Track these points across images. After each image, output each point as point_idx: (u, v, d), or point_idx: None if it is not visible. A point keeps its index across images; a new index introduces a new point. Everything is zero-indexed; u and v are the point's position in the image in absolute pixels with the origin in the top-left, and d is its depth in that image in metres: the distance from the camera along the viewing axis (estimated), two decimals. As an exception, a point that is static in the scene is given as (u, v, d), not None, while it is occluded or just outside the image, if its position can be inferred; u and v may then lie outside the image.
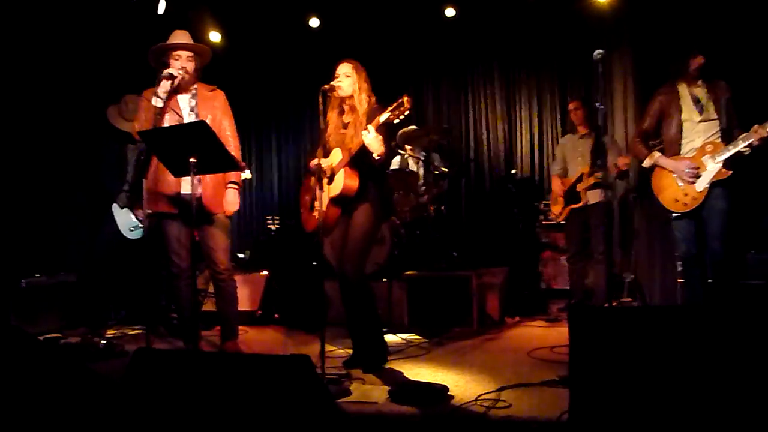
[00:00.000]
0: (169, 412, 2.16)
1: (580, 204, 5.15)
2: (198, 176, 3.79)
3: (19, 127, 5.72)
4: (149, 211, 3.99)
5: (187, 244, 3.88)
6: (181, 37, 3.93)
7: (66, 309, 5.33)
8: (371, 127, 3.30)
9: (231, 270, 4.07)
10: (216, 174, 3.89)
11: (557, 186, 5.37)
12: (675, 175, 3.93)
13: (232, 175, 3.99)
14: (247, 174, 5.95)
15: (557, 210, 5.37)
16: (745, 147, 3.69)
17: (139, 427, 2.16)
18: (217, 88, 4.08)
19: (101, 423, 2.20)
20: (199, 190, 3.82)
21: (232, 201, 3.97)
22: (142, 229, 4.85)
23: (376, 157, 3.36)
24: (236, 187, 4.00)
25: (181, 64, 3.84)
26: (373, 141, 3.29)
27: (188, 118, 3.88)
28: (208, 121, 3.81)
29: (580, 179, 5.17)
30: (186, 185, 3.77)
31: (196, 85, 3.99)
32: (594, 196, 5.10)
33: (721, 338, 2.01)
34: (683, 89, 3.98)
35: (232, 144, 3.98)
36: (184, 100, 3.94)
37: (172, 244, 3.90)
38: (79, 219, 5.95)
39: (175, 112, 3.86)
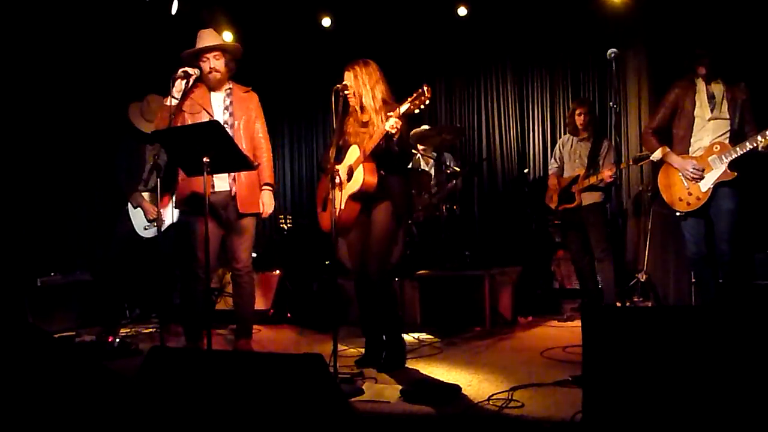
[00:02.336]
0: (182, 409, 2.17)
1: (574, 204, 5.16)
2: (233, 175, 3.85)
3: (35, 126, 5.78)
4: (173, 210, 4.02)
5: (214, 243, 3.89)
6: (205, 37, 3.94)
7: (81, 307, 5.38)
8: (392, 116, 3.27)
9: (250, 268, 4.09)
10: (250, 174, 3.92)
11: (553, 183, 5.39)
12: (680, 174, 3.91)
13: (266, 177, 4.02)
14: None
15: (552, 205, 5.41)
16: (755, 149, 3.64)
17: (154, 424, 2.18)
18: (252, 90, 4.10)
19: (116, 420, 2.22)
20: (234, 189, 3.87)
21: (268, 203, 4.01)
22: (155, 228, 4.88)
23: (394, 140, 3.34)
24: (271, 188, 4.04)
25: (209, 65, 3.87)
26: (395, 124, 3.26)
27: (222, 117, 3.89)
28: (242, 123, 3.90)
29: (575, 181, 5.17)
30: (219, 184, 3.82)
31: (230, 85, 4.01)
32: (588, 198, 5.11)
33: (735, 338, 2.00)
34: (701, 84, 3.92)
35: (264, 146, 4.03)
36: (218, 99, 3.96)
37: (199, 242, 3.89)
38: (95, 218, 6.00)
39: (206, 111, 3.87)
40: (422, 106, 3.21)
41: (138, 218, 5.08)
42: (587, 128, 5.23)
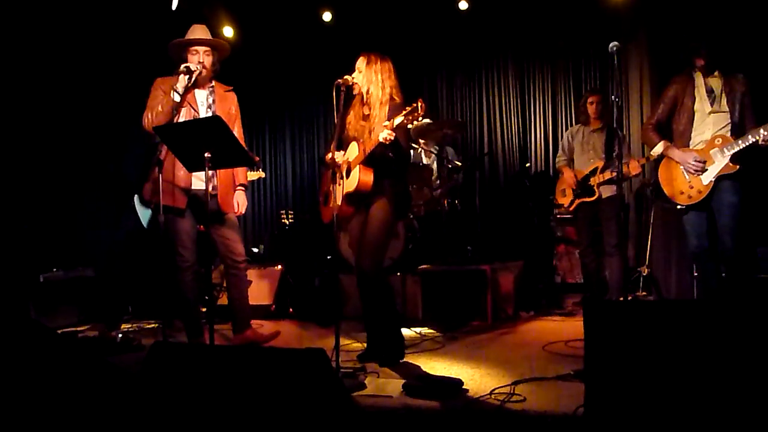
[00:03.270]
0: (185, 404, 2.18)
1: (594, 198, 5.08)
2: (211, 174, 3.84)
3: (38, 122, 5.78)
4: (152, 204, 4.02)
5: (195, 239, 3.98)
6: (198, 31, 3.95)
7: (84, 303, 5.39)
8: (386, 128, 3.30)
9: (246, 261, 4.15)
10: (227, 174, 3.98)
11: (571, 177, 5.24)
12: (682, 167, 3.89)
13: (241, 177, 4.10)
14: (260, 173, 5.98)
15: (565, 202, 5.29)
16: (756, 142, 3.63)
17: (157, 419, 2.18)
18: (232, 90, 4.12)
19: (119, 415, 2.22)
20: (212, 188, 3.87)
21: (242, 202, 4.10)
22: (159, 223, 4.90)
23: (389, 148, 3.37)
24: (244, 189, 4.12)
25: (198, 59, 3.86)
26: (388, 135, 3.29)
27: (205, 114, 3.92)
28: None
29: (593, 173, 5.10)
30: (197, 181, 3.82)
31: (213, 83, 4.02)
32: (606, 191, 5.05)
33: (736, 332, 2.00)
34: (699, 78, 3.90)
35: None
36: (201, 96, 3.97)
37: (181, 238, 3.93)
38: (97, 213, 6.00)
39: (192, 107, 3.89)
40: (415, 122, 3.24)
41: (144, 213, 5.07)
42: (600, 118, 5.16)
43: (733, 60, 3.98)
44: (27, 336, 2.43)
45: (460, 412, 2.74)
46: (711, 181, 3.78)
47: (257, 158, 5.25)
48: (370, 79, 3.57)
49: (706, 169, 3.79)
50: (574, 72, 6.98)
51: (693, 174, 3.83)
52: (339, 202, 3.58)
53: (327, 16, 7.06)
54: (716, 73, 3.87)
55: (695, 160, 3.79)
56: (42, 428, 2.21)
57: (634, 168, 4.83)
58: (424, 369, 3.51)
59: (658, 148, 3.99)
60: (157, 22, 6.05)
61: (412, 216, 5.53)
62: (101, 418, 2.23)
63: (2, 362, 2.32)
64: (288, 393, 2.07)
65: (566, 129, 6.94)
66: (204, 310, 4.60)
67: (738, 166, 3.71)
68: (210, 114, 3.91)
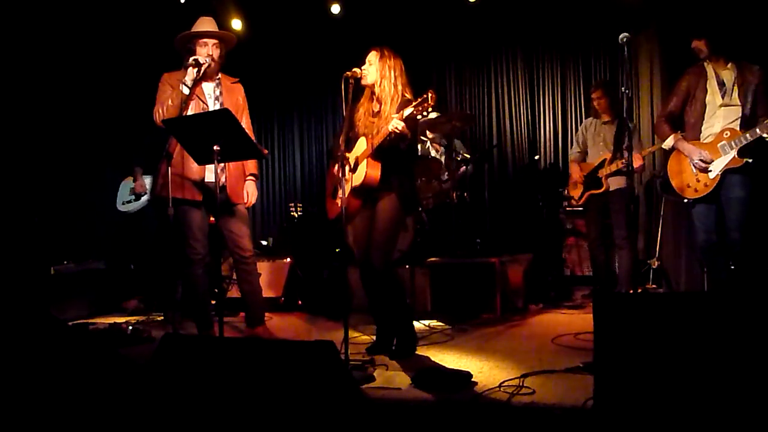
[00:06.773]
0: (195, 396, 2.19)
1: (602, 190, 5.08)
2: (222, 165, 3.84)
3: (49, 116, 5.81)
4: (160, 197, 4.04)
5: (206, 232, 3.97)
6: (206, 24, 3.95)
7: (94, 295, 5.42)
8: (396, 118, 3.29)
9: (254, 255, 4.15)
10: (237, 165, 3.96)
11: (576, 171, 5.28)
12: (690, 161, 3.87)
13: (251, 167, 4.07)
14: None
15: (576, 194, 5.30)
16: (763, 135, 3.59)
17: (167, 411, 2.20)
18: (239, 81, 4.12)
19: (130, 406, 2.24)
20: (223, 179, 3.87)
21: (252, 192, 4.07)
22: (134, 204, 4.90)
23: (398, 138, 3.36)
24: (254, 179, 4.09)
25: (207, 51, 3.86)
26: (397, 125, 3.28)
27: (213, 106, 3.91)
28: None
29: (601, 165, 5.09)
30: (210, 173, 3.81)
31: (219, 75, 4.02)
32: (615, 183, 5.03)
33: (747, 325, 1.99)
34: (711, 70, 3.85)
35: None
36: (208, 88, 3.97)
37: (193, 231, 3.92)
38: (108, 206, 6.03)
39: (201, 100, 3.89)
40: (425, 113, 3.20)
41: (122, 192, 5.09)
42: (608, 111, 5.15)
43: (749, 51, 3.92)
44: (38, 328, 2.45)
45: (468, 404, 2.74)
46: (717, 174, 3.74)
47: (266, 151, 5.23)
48: (384, 74, 3.53)
49: (713, 163, 3.75)
50: (584, 64, 6.93)
51: (699, 168, 3.80)
52: (346, 196, 3.57)
53: (335, 9, 7.04)
54: (729, 65, 3.82)
55: (700, 159, 3.76)
56: (54, 420, 2.23)
57: (636, 160, 4.82)
58: (433, 361, 3.51)
59: (670, 141, 3.96)
60: (165, 15, 6.07)
61: (420, 209, 5.53)
62: (111, 409, 2.25)
63: (14, 354, 2.34)
64: (297, 385, 2.08)
65: (575, 121, 6.94)
66: (214, 302, 4.62)
67: (745, 160, 3.67)
68: (218, 106, 3.91)
